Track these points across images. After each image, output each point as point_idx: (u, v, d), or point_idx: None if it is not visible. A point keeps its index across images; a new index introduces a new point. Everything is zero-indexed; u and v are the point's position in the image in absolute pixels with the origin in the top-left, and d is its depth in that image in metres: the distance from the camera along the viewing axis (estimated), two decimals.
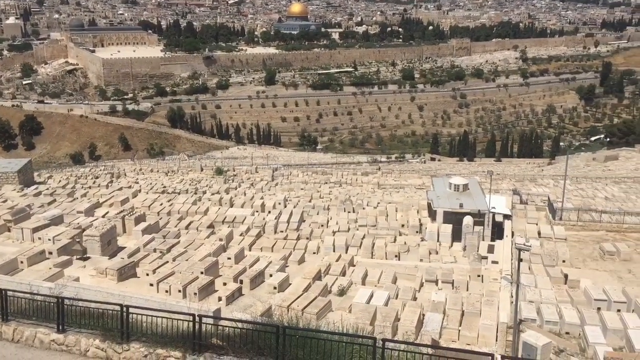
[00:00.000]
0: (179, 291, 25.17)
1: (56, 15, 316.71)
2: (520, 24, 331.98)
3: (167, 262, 29.91)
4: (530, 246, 22.41)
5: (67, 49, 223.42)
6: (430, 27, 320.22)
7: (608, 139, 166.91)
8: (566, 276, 28.07)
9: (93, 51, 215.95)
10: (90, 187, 59.04)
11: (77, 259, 29.98)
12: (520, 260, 20.80)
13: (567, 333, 21.71)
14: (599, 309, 23.53)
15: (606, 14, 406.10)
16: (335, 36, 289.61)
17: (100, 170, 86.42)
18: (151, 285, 26.33)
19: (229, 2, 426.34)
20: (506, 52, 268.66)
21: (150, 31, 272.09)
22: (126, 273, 27.63)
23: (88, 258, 30.30)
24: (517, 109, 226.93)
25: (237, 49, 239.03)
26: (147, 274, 27.81)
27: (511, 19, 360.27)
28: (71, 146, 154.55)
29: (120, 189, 57.09)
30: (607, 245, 33.32)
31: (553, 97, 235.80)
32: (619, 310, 23.07)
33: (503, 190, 54.03)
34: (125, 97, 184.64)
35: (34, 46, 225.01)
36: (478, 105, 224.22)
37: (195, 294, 24.77)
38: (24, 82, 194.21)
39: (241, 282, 27.07)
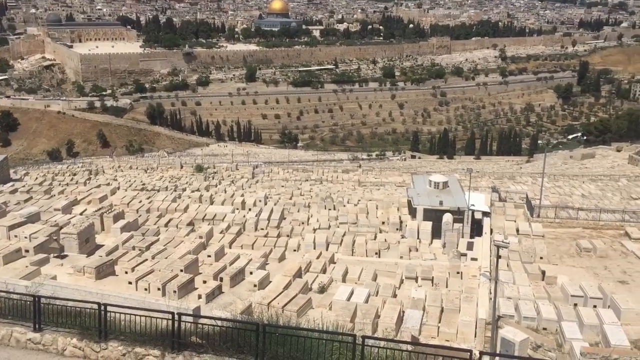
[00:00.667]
0: (158, 289, 24.98)
1: (33, 10, 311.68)
2: (500, 23, 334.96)
3: (146, 260, 29.67)
4: (508, 243, 22.66)
5: (44, 44, 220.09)
6: (411, 25, 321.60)
7: (585, 138, 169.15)
8: (543, 273, 28.42)
9: (71, 46, 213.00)
10: (67, 184, 58.29)
11: (54, 257, 29.60)
12: (498, 257, 21.01)
13: (544, 329, 21.98)
14: (575, 305, 23.86)
15: (583, 13, 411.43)
16: (316, 33, 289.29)
17: (78, 167, 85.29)
18: (130, 283, 26.10)
19: None
20: (486, 50, 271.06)
21: (129, 27, 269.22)
22: (104, 271, 27.35)
23: (65, 256, 29.94)
24: (497, 107, 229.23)
25: (217, 46, 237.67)
26: (126, 272, 27.55)
27: (491, 18, 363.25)
28: (48, 143, 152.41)
29: (99, 186, 56.44)
30: (583, 242, 33.79)
31: (531, 96, 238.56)
32: (595, 306, 23.41)
33: (482, 188, 54.52)
34: (104, 93, 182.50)
35: (10, 41, 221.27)
36: (458, 104, 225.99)
37: (174, 292, 24.60)
38: (0, 78, 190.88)
39: (221, 279, 26.96)
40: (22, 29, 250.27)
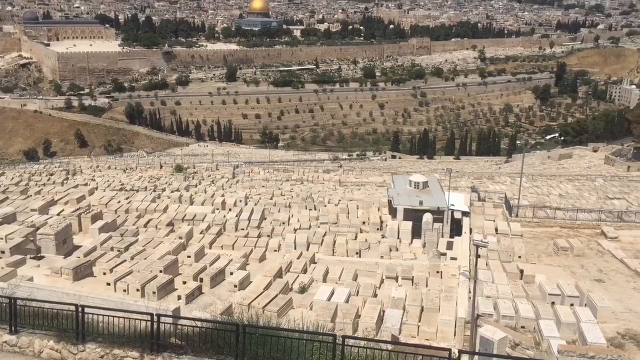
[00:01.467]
0: (137, 290, 24.73)
1: (9, 8, 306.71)
2: (479, 24, 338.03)
3: (125, 260, 29.36)
4: (487, 243, 22.84)
5: (21, 42, 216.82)
6: (391, 26, 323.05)
7: (562, 138, 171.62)
8: (522, 272, 28.73)
9: (48, 45, 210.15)
10: (44, 185, 57.50)
11: (30, 258, 29.16)
12: (478, 256, 21.17)
13: (522, 327, 22.22)
14: (553, 303, 24.16)
15: (561, 15, 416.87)
16: (297, 33, 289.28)
17: (55, 167, 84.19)
18: (108, 284, 25.80)
19: None
20: (465, 51, 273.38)
21: (107, 25, 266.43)
22: (82, 272, 27.00)
23: (42, 257, 29.50)
24: (476, 107, 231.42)
25: (197, 45, 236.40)
26: (104, 273, 27.23)
27: (470, 19, 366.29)
28: (24, 142, 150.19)
29: (76, 186, 55.77)
30: (560, 241, 34.23)
31: (510, 97, 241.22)
32: (572, 305, 23.73)
33: (462, 188, 54.94)
34: (82, 92, 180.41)
35: None
36: (438, 104, 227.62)
37: (153, 293, 24.38)
38: None
39: (201, 280, 26.77)
40: None
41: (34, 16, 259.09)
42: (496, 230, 37.03)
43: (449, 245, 34.09)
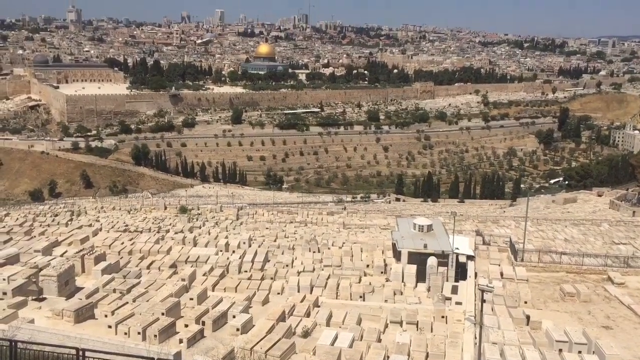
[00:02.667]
0: (139, 333, 24.45)
1: (20, 51, 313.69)
2: (482, 70, 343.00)
3: (127, 302, 29.11)
4: (492, 287, 22.64)
5: (30, 85, 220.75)
6: (395, 71, 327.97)
7: (567, 182, 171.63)
8: (528, 317, 28.32)
9: (57, 87, 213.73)
10: (49, 225, 57.52)
11: (32, 299, 28.96)
12: (483, 301, 20.96)
13: None
14: (560, 350, 23.73)
15: (563, 61, 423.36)
16: (302, 77, 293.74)
17: (60, 207, 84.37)
18: (109, 327, 25.52)
19: (197, 41, 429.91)
20: (468, 96, 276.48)
21: (116, 68, 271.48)
22: (84, 314, 26.77)
23: (44, 299, 29.30)
24: (480, 151, 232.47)
25: (204, 88, 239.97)
26: (106, 316, 26.97)
27: (473, 65, 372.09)
28: (30, 183, 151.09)
29: (81, 227, 55.78)
30: (567, 286, 33.84)
31: (513, 141, 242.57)
32: (580, 352, 23.31)
33: (466, 231, 54.71)
34: (89, 134, 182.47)
35: None
36: (442, 147, 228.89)
37: (155, 336, 24.09)
38: None
39: (203, 323, 26.48)
40: (8, 70, 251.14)
41: (44, 59, 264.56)
42: (501, 274, 36.68)
43: (454, 290, 33.72)
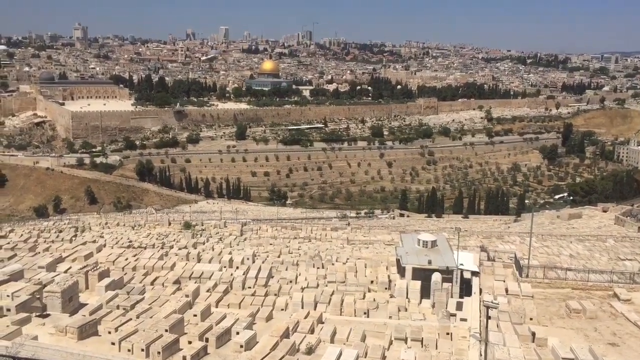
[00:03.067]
0: (142, 350, 24.36)
1: (26, 68, 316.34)
2: (485, 85, 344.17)
3: (131, 319, 29.03)
4: (497, 304, 22.52)
5: (36, 102, 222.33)
6: (399, 87, 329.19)
7: (571, 198, 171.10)
8: (534, 334, 28.11)
9: (62, 104, 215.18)
10: (53, 241, 57.58)
11: (36, 316, 28.90)
12: (488, 317, 20.83)
13: None
14: None
15: (566, 77, 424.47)
16: (306, 93, 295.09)
17: (65, 223, 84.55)
18: (113, 344, 25.44)
19: (202, 58, 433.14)
20: (472, 111, 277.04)
21: (121, 85, 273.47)
22: (87, 331, 26.69)
23: (48, 315, 29.24)
24: (484, 166, 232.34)
25: (208, 104, 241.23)
26: (109, 332, 26.89)
27: (476, 80, 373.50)
28: (35, 199, 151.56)
29: (85, 243, 55.82)
30: (572, 303, 33.61)
31: (517, 156, 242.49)
32: None
33: (471, 247, 54.50)
34: (94, 150, 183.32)
35: (1, 98, 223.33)
36: (445, 163, 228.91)
37: (158, 353, 24.00)
38: None
39: (207, 340, 26.37)
40: (14, 87, 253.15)
41: (50, 76, 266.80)
42: (506, 290, 36.47)
43: (459, 306, 33.52)
